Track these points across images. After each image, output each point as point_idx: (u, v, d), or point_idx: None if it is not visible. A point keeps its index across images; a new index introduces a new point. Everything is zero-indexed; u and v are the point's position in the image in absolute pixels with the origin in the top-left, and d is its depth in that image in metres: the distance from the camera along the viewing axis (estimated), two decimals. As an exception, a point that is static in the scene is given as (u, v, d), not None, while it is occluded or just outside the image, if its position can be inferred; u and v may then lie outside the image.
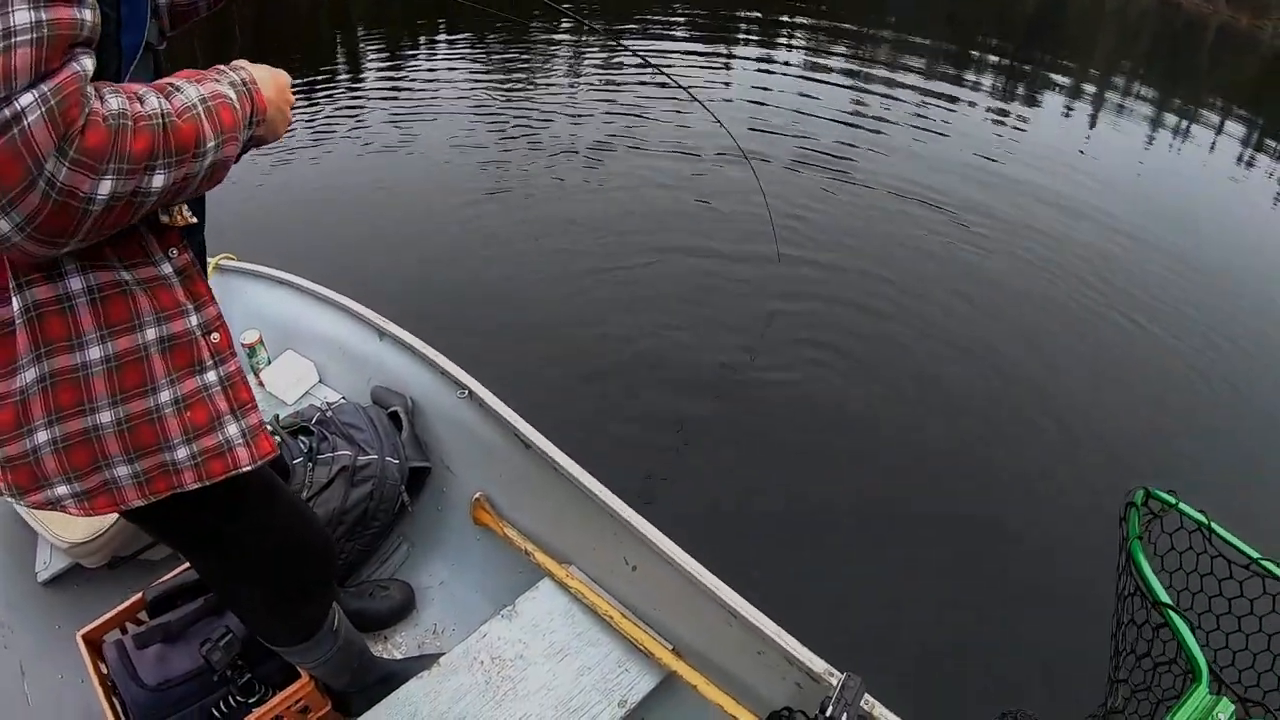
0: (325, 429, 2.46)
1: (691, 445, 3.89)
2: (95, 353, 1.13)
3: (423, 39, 10.25)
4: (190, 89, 1.05)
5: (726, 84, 9.06)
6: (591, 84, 8.57)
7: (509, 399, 2.32)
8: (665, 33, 10.81)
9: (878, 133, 8.12)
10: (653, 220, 5.76)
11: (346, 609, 2.23)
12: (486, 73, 9.01)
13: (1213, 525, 1.67)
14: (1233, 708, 1.36)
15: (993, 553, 3.49)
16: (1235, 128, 11.69)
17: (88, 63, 0.89)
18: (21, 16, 0.82)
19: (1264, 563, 1.62)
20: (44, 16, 0.84)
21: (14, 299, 1.09)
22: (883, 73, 10.76)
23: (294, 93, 1.35)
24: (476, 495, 2.38)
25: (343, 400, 2.66)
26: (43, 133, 0.84)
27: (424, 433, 2.52)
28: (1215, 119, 11.96)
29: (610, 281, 5.02)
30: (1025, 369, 4.67)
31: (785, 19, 12.96)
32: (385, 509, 2.39)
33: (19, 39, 0.82)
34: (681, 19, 11.91)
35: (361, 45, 10.04)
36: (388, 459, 2.38)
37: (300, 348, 2.86)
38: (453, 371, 2.41)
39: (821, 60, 11.03)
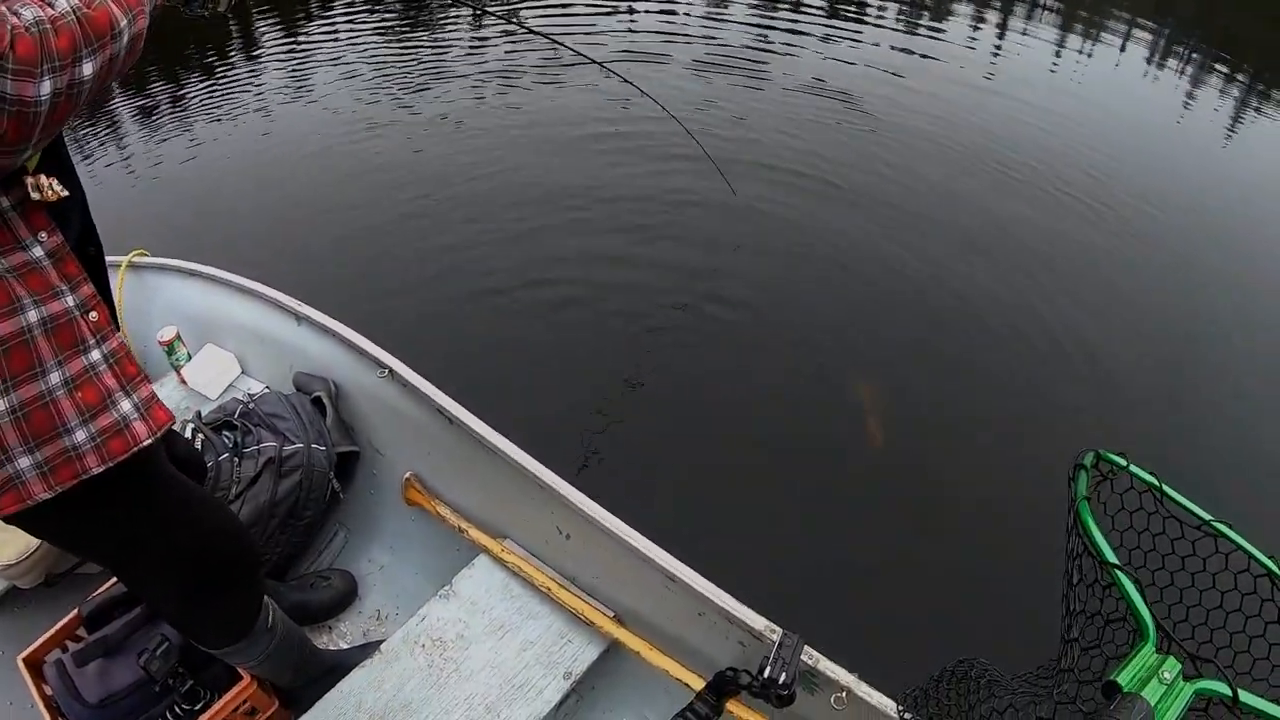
0: (248, 421, 2.39)
1: (617, 409, 3.82)
2: None
3: (305, 15, 9.98)
4: None
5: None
6: (485, 51, 8.35)
7: (431, 374, 2.27)
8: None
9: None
10: (561, 174, 5.63)
11: (287, 603, 2.20)
12: (376, 44, 8.80)
13: (1164, 487, 1.65)
14: (1179, 665, 1.34)
15: (938, 507, 3.45)
16: (1141, 34, 11.70)
17: None
18: None
19: (1216, 524, 1.61)
20: None
21: None
22: (785, 13, 10.67)
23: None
24: (407, 475, 2.32)
25: (266, 390, 2.59)
26: None
27: (349, 416, 2.45)
28: (1121, 30, 11.94)
29: (535, 258, 4.89)
30: (971, 321, 4.59)
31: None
32: (316, 497, 2.33)
33: None
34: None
35: (253, 26, 9.81)
36: (314, 446, 2.32)
37: (219, 340, 2.78)
38: (372, 351, 2.34)
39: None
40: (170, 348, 2.71)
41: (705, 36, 8.97)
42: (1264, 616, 1.56)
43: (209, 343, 2.78)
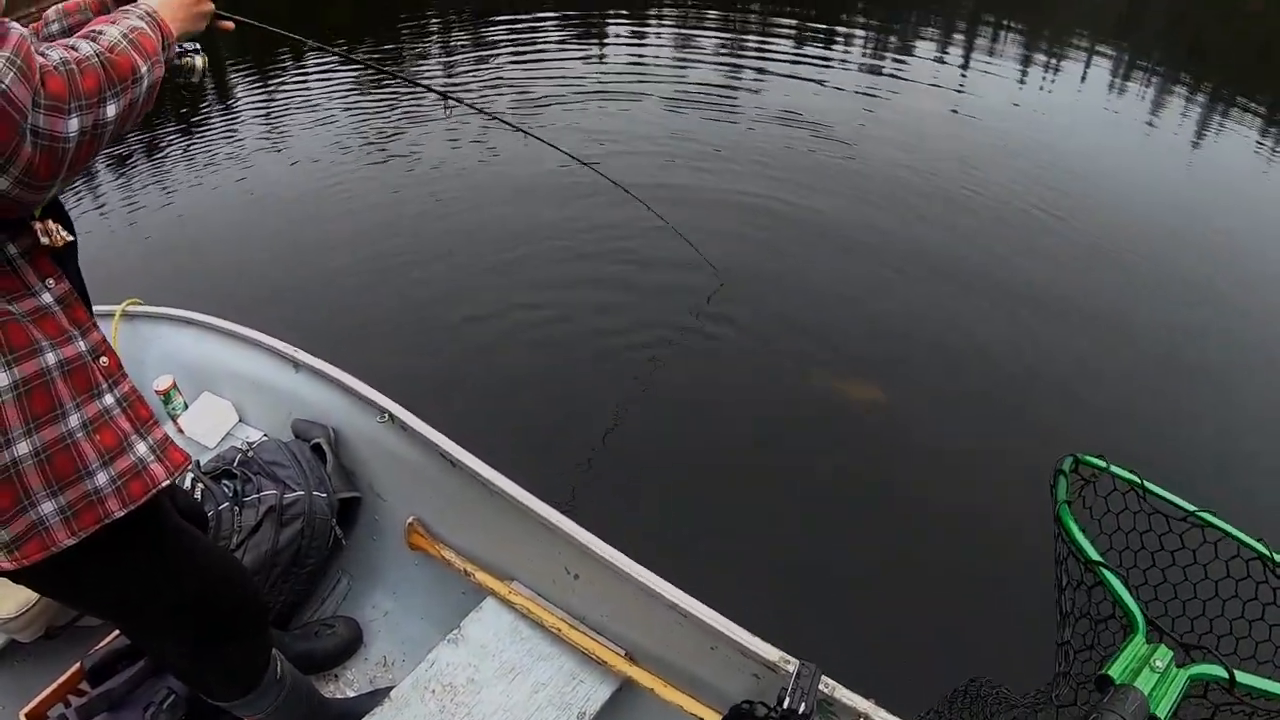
0: (248, 470, 2.37)
1: (620, 445, 3.82)
2: (3, 379, 1.13)
3: (294, 71, 10.07)
4: (111, 29, 1.17)
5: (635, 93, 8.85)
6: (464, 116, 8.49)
7: (429, 415, 2.26)
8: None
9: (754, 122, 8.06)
10: (550, 228, 5.64)
11: (292, 652, 2.17)
12: (350, 93, 8.92)
13: (1145, 484, 1.68)
14: (1171, 654, 1.35)
15: (937, 528, 3.46)
16: (1104, 54, 11.99)
17: (20, 26, 1.01)
18: None
19: (1200, 514, 1.63)
20: None
21: None
22: (754, 41, 10.89)
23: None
24: (410, 520, 2.31)
25: (264, 438, 2.57)
26: (20, 90, 0.97)
27: (350, 462, 2.44)
28: (1084, 50, 12.25)
29: (516, 290, 4.93)
30: (947, 343, 4.63)
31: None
32: (318, 545, 2.31)
33: None
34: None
35: (235, 79, 9.89)
36: (315, 493, 2.30)
37: (216, 389, 2.76)
38: (371, 396, 2.33)
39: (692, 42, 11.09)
40: (167, 397, 2.70)
41: (675, 74, 9.20)
42: (1260, 599, 1.58)
43: (206, 391, 2.76)
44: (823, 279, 5.14)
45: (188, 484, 2.30)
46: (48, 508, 1.18)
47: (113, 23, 1.20)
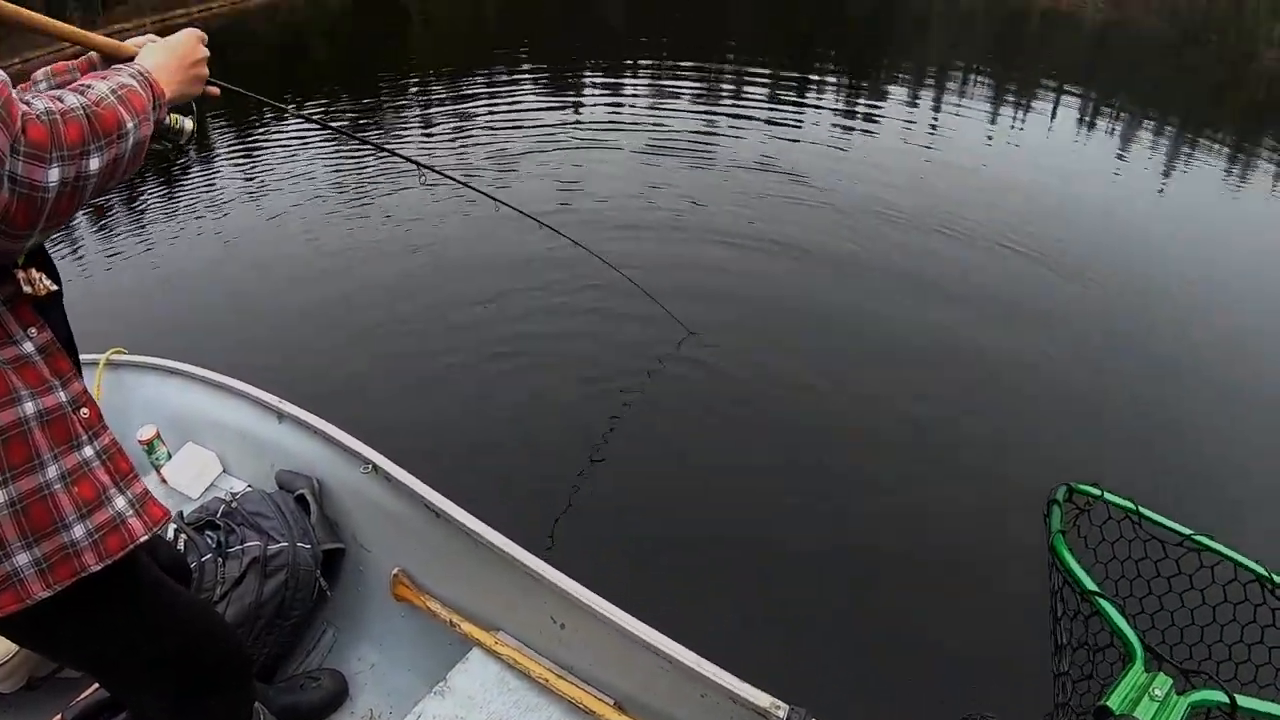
0: (232, 521, 2.36)
1: (603, 492, 3.82)
2: None
3: (275, 128, 10.19)
4: (100, 84, 1.17)
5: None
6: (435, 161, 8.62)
7: (415, 468, 2.25)
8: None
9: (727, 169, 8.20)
10: (527, 281, 5.68)
11: (276, 706, 2.15)
12: (328, 149, 9.08)
13: (1141, 510, 1.68)
14: (1170, 681, 1.35)
15: (926, 565, 3.46)
16: (1070, 100, 12.25)
17: (2, 72, 1.00)
18: None
19: (1197, 538, 1.63)
20: None
21: None
22: (728, 92, 11.10)
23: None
24: (395, 571, 2.29)
25: (248, 489, 2.56)
26: None
27: (334, 513, 2.43)
28: (1050, 96, 12.52)
29: (494, 342, 4.97)
30: (928, 381, 4.66)
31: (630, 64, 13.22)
32: (303, 597, 2.29)
33: None
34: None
35: (216, 135, 10.01)
36: (299, 545, 2.29)
37: (200, 439, 2.75)
38: (355, 447, 2.33)
39: (670, 97, 11.25)
40: (150, 447, 2.69)
41: (651, 126, 9.40)
42: (1259, 621, 1.58)
43: (189, 441, 2.75)
44: (800, 320, 5.20)
45: (170, 535, 2.28)
46: (23, 559, 1.16)
47: (103, 79, 1.20)
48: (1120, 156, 9.55)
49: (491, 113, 10.10)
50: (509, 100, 10.76)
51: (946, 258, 6.09)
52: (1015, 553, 3.06)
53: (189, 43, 1.41)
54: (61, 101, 1.08)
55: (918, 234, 6.45)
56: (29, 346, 1.20)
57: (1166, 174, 9.05)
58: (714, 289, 5.47)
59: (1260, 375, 4.94)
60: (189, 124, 1.53)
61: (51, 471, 1.19)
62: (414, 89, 12.11)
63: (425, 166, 3.11)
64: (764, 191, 7.24)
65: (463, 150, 8.62)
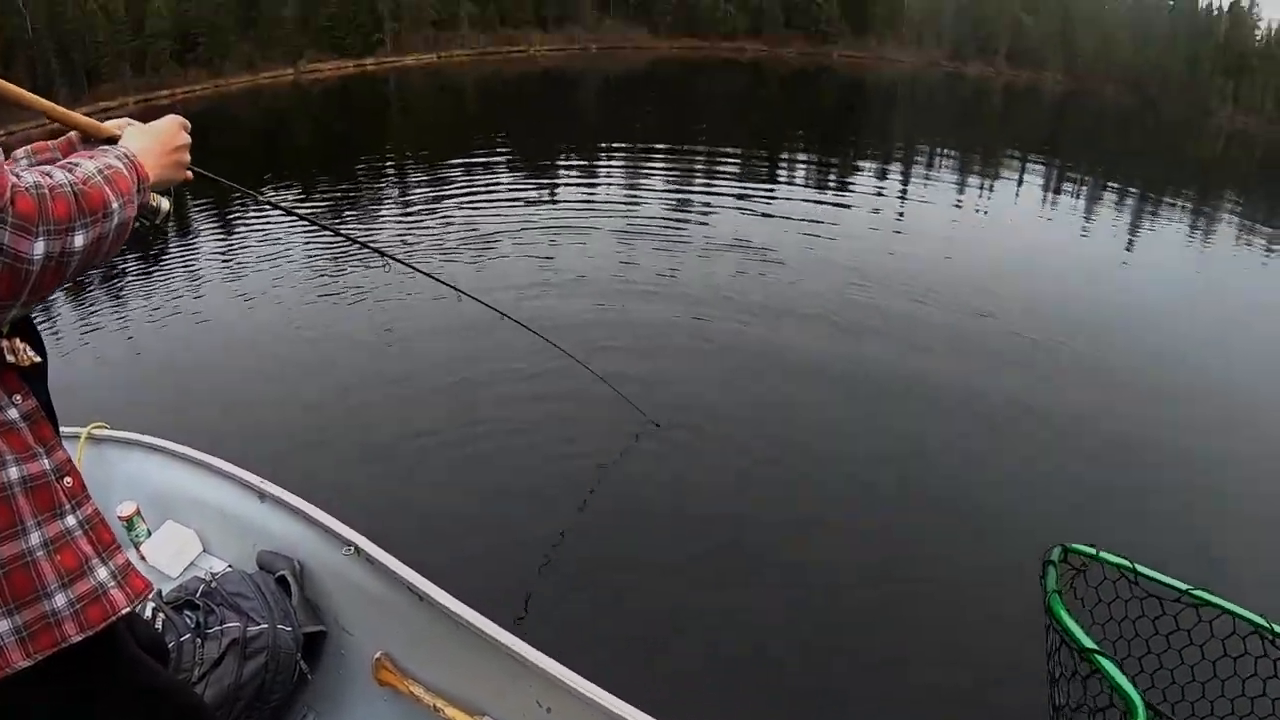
0: (211, 601, 2.34)
1: (585, 572, 3.83)
2: None
3: (252, 211, 10.34)
4: (88, 164, 1.19)
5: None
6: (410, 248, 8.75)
7: (396, 548, 2.25)
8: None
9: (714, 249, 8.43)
10: (502, 365, 5.78)
11: (251, 794, 2.10)
12: (303, 233, 9.26)
13: (1137, 568, 1.71)
14: None
15: (918, 637, 3.49)
16: (1034, 168, 12.81)
17: None
18: None
19: (1195, 592, 1.66)
20: None
21: None
22: (700, 173, 11.47)
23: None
24: (377, 655, 2.26)
25: (229, 568, 2.53)
26: None
27: (315, 595, 2.40)
28: (1015, 166, 13.08)
29: (473, 423, 5.04)
30: (912, 451, 4.76)
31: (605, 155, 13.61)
32: (283, 680, 2.26)
33: None
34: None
35: (194, 215, 10.14)
36: (279, 627, 2.27)
37: (181, 517, 2.73)
38: (337, 529, 2.32)
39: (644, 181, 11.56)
40: (130, 523, 2.66)
41: (624, 209, 9.76)
42: (1260, 673, 1.59)
43: (170, 519, 2.73)
44: (773, 394, 5.36)
45: (148, 613, 2.25)
46: (2, 626, 1.15)
47: (90, 158, 1.22)
48: (1088, 219, 9.99)
49: (469, 197, 10.36)
50: (485, 186, 11.08)
51: (927, 326, 6.32)
52: (1014, 619, 3.10)
53: (172, 129, 1.45)
54: (50, 177, 1.10)
55: (887, 310, 6.67)
56: (13, 413, 1.20)
57: (1134, 233, 9.52)
58: (686, 371, 5.62)
59: (1248, 430, 5.17)
60: (165, 204, 1.54)
61: (34, 538, 1.18)
62: (392, 173, 12.41)
63: (390, 257, 3.14)
64: (738, 270, 7.49)
65: (438, 235, 8.84)
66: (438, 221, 9.36)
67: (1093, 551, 1.75)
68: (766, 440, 4.80)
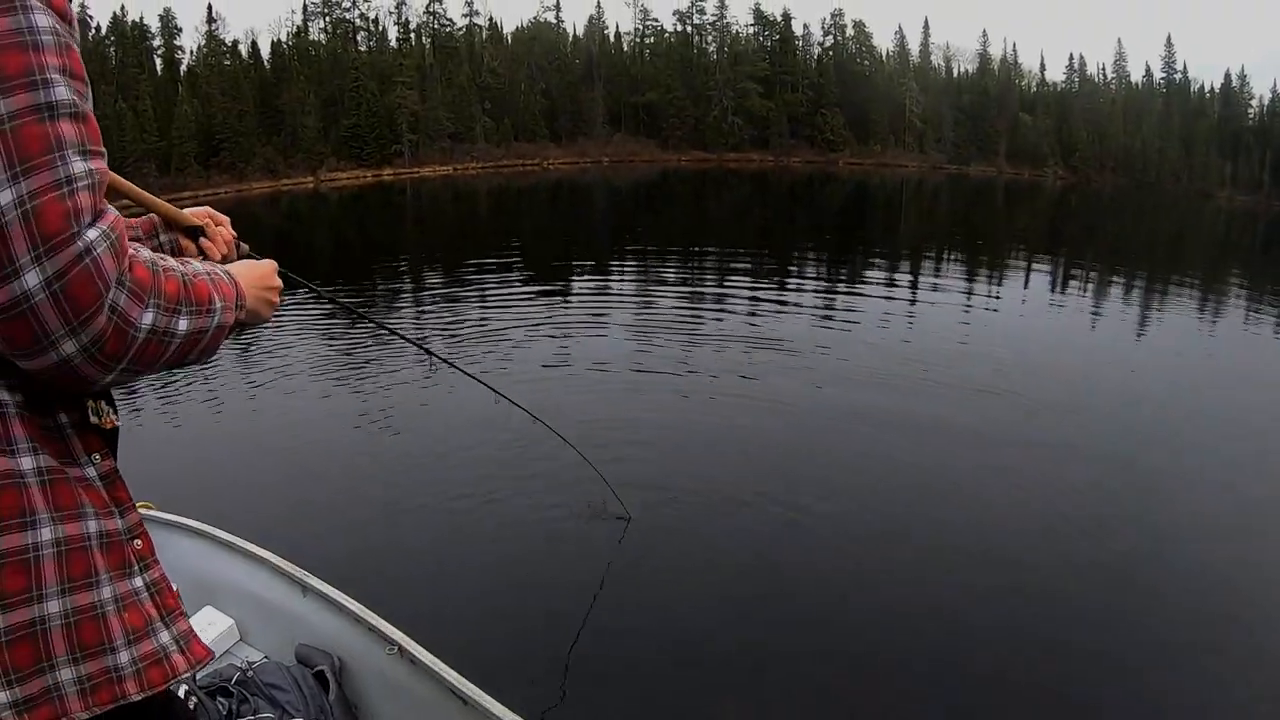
0: (246, 690, 2.37)
1: (640, 678, 3.83)
2: (47, 533, 1.13)
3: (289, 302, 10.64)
4: (196, 263, 1.25)
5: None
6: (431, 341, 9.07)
7: (441, 651, 2.29)
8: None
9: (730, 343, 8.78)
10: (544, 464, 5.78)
11: None
12: (350, 335, 9.56)
13: None
14: None
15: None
16: (1041, 263, 13.26)
17: (117, 211, 1.08)
18: (78, 165, 1.02)
19: None
20: (92, 166, 1.04)
21: None
22: (711, 275, 11.83)
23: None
24: (415, 759, 2.28)
25: (265, 659, 2.57)
26: (109, 262, 1.02)
27: (354, 693, 2.44)
28: (1022, 261, 13.54)
29: (529, 523, 5.08)
30: (910, 573, 4.79)
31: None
32: (313, 777, 2.28)
33: (80, 184, 1.01)
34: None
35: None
36: (315, 722, 2.30)
37: (219, 604, 2.77)
38: (380, 627, 2.37)
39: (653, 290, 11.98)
40: (167, 607, 2.69)
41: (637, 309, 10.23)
42: None
43: (208, 605, 2.77)
44: (796, 486, 5.49)
45: (181, 693, 2.27)
46: (66, 675, 1.15)
47: (199, 261, 1.33)
48: (1095, 312, 10.27)
49: (482, 298, 10.58)
50: (500, 287, 11.30)
51: (948, 420, 6.51)
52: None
53: (270, 270, 1.53)
54: (164, 260, 1.17)
55: (913, 402, 6.92)
56: (92, 471, 1.24)
57: (1142, 324, 9.77)
58: (679, 464, 5.88)
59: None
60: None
61: (106, 592, 1.20)
62: (407, 277, 12.67)
63: (439, 358, 3.30)
64: (751, 372, 7.77)
65: (458, 333, 9.08)
66: (457, 323, 9.67)
67: None
68: (759, 526, 4.98)
